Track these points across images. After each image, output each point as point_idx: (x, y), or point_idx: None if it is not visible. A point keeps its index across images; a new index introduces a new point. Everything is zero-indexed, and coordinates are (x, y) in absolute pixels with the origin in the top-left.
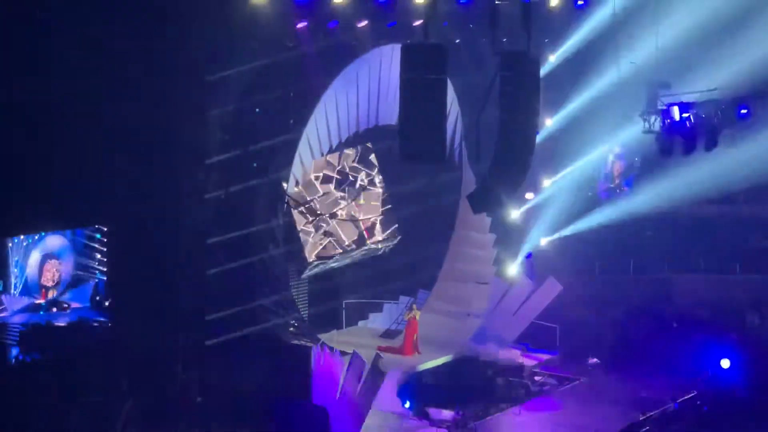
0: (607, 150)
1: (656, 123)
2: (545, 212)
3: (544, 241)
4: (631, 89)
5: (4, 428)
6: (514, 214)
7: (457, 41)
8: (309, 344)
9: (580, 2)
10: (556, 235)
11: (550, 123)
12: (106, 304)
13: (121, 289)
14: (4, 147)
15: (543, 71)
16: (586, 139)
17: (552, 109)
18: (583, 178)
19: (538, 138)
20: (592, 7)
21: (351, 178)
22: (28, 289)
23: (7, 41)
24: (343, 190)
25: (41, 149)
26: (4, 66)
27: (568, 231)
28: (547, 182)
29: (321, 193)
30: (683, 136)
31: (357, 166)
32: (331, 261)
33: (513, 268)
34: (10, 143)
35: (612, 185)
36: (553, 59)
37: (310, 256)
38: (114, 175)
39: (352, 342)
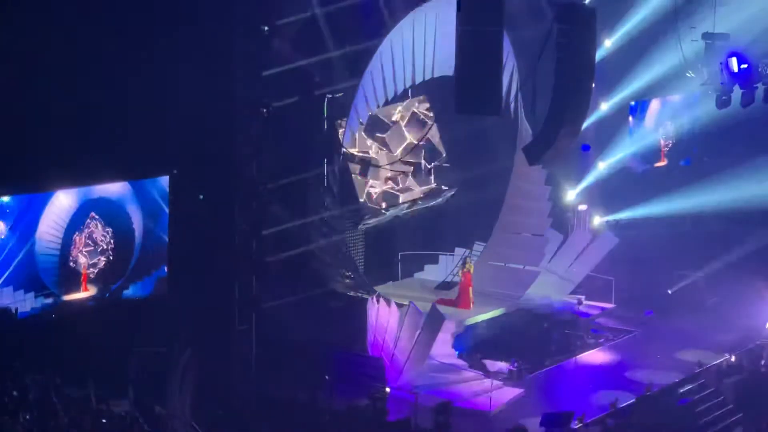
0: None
1: (715, 75)
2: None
3: None
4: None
5: (64, 373)
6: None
7: None
8: (365, 296)
9: None
10: None
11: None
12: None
13: (179, 243)
14: (62, 97)
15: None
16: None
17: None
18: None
19: None
20: None
21: (407, 130)
22: None
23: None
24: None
25: (97, 99)
26: (63, 25)
27: None
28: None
29: (378, 144)
30: (742, 86)
31: (417, 115)
32: (386, 213)
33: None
34: (66, 94)
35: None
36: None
37: (366, 207)
38: (170, 129)
39: (408, 294)
